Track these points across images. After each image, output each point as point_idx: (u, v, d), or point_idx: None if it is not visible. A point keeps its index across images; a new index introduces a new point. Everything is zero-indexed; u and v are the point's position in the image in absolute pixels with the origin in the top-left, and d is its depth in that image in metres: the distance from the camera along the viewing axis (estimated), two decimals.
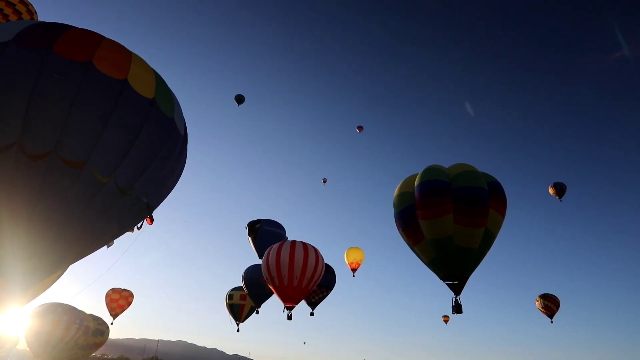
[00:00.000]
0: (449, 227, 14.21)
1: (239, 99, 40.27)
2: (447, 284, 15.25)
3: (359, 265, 36.48)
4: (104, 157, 8.47)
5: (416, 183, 15.16)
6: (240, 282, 28.30)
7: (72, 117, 7.87)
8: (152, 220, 10.98)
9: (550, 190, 37.76)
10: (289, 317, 21.00)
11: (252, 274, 27.46)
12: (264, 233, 26.17)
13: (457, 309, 14.96)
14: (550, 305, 36.64)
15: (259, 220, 26.63)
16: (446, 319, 53.42)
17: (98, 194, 8.81)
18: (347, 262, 35.97)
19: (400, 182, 16.27)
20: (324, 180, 60.17)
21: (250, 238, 26.31)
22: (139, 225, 11.08)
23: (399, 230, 16.42)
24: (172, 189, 11.73)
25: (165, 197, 11.38)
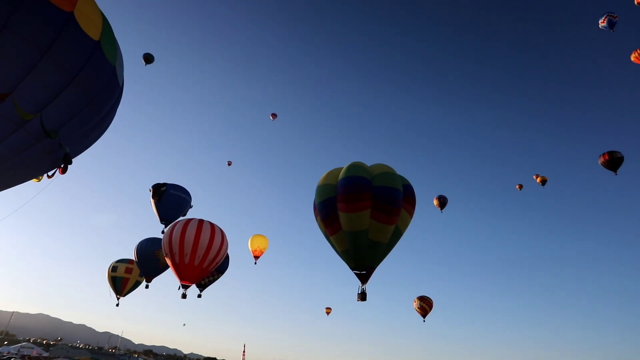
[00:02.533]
0: (365, 221, 15.28)
1: (147, 59, 37.39)
2: (355, 273, 16.38)
3: (262, 253, 36.57)
4: (32, 91, 7.59)
5: (340, 177, 15.98)
6: (128, 255, 26.93)
7: (3, 41, 6.90)
8: (64, 170, 9.98)
9: (435, 202, 41.98)
10: (184, 296, 20.48)
11: (146, 247, 26.25)
12: (170, 197, 24.87)
13: (363, 296, 16.24)
14: (424, 306, 40.82)
15: (165, 184, 25.21)
16: (328, 310, 56.32)
17: (18, 131, 7.88)
18: (250, 249, 35.81)
19: (324, 174, 16.96)
20: (229, 163, 59.02)
21: (153, 201, 24.79)
22: (50, 173, 10.06)
23: (316, 219, 17.11)
24: (95, 141, 10.83)
25: (87, 148, 10.48)
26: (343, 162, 23.16)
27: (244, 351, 49.92)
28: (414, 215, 16.73)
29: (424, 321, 40.42)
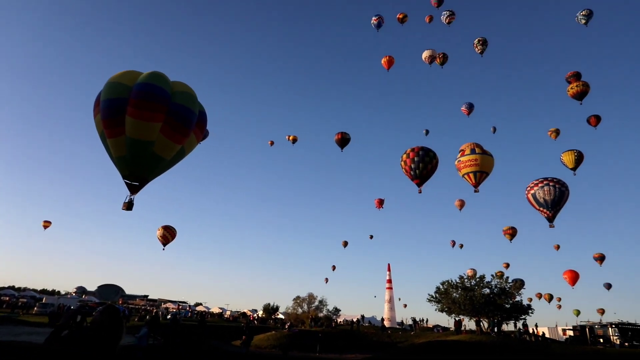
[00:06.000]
0: (154, 133, 14.92)
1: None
2: (127, 182, 15.77)
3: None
4: None
5: (140, 80, 14.96)
6: None
7: None
8: None
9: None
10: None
11: None
12: None
13: (129, 206, 15.89)
14: (167, 235, 41.64)
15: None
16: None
17: None
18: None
19: (120, 72, 15.40)
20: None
21: None
22: None
23: (95, 117, 15.43)
24: None
25: None
26: None
27: None
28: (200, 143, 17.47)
29: (164, 249, 41.31)
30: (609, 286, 61.38)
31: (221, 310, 79.81)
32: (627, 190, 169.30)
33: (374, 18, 47.28)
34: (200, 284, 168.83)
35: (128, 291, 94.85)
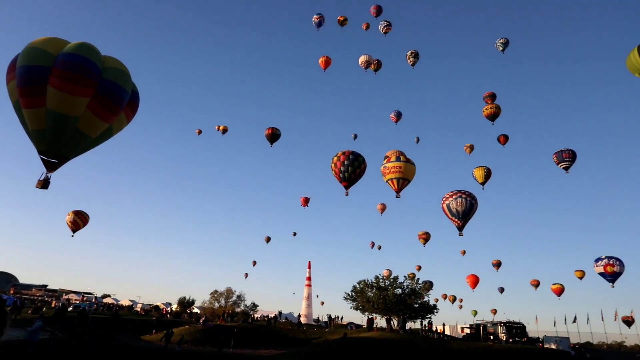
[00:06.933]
0: (80, 108, 13.95)
1: None
2: (43, 159, 14.51)
3: None
4: None
5: (67, 50, 13.86)
6: None
7: None
8: None
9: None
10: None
11: None
12: None
13: (45, 184, 14.67)
14: (78, 221, 38.60)
15: None
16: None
17: None
18: None
19: (43, 38, 14.12)
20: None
21: None
22: None
23: (8, 84, 14.02)
24: None
25: None
26: None
27: None
28: (131, 123, 16.60)
29: (72, 236, 38.28)
30: (502, 290, 68.78)
31: (132, 303, 75.47)
32: (526, 204, 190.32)
33: (315, 16, 48.18)
34: (111, 275, 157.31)
35: (23, 280, 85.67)
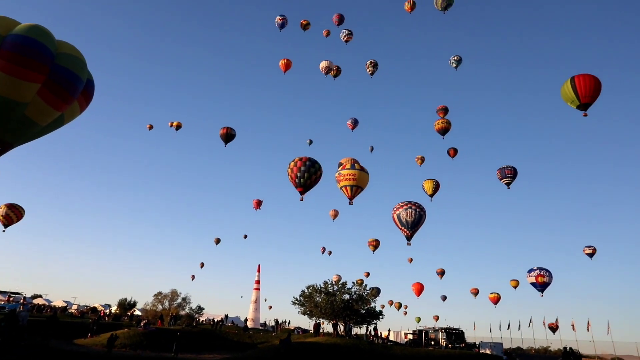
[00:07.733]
0: (29, 94, 13.19)
1: None
2: None
3: None
4: None
5: (17, 32, 13.07)
6: None
7: None
8: None
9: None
10: None
11: None
12: None
13: None
14: (11, 215, 36.03)
15: None
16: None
17: None
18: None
19: None
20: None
21: None
22: None
23: None
24: None
25: None
26: None
27: None
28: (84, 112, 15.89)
29: (4, 231, 35.70)
30: (444, 298, 71.99)
31: (66, 304, 70.72)
32: (469, 217, 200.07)
33: (278, 17, 48.42)
34: (43, 273, 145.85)
35: None
